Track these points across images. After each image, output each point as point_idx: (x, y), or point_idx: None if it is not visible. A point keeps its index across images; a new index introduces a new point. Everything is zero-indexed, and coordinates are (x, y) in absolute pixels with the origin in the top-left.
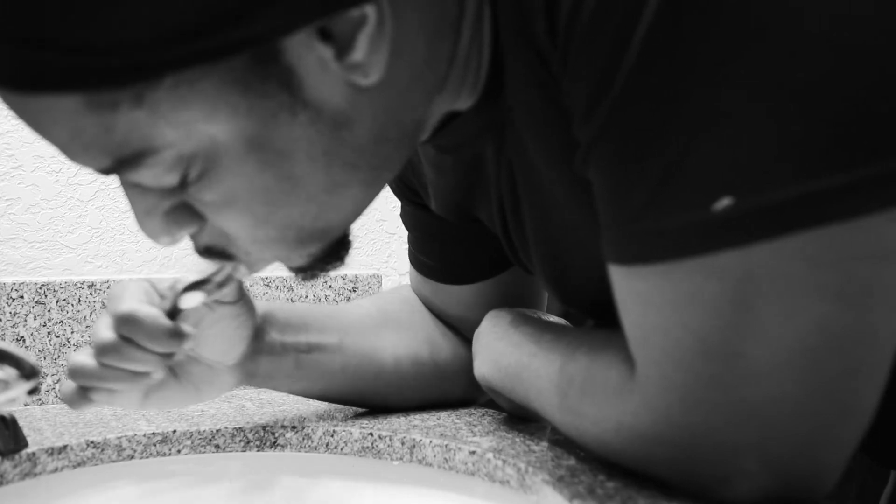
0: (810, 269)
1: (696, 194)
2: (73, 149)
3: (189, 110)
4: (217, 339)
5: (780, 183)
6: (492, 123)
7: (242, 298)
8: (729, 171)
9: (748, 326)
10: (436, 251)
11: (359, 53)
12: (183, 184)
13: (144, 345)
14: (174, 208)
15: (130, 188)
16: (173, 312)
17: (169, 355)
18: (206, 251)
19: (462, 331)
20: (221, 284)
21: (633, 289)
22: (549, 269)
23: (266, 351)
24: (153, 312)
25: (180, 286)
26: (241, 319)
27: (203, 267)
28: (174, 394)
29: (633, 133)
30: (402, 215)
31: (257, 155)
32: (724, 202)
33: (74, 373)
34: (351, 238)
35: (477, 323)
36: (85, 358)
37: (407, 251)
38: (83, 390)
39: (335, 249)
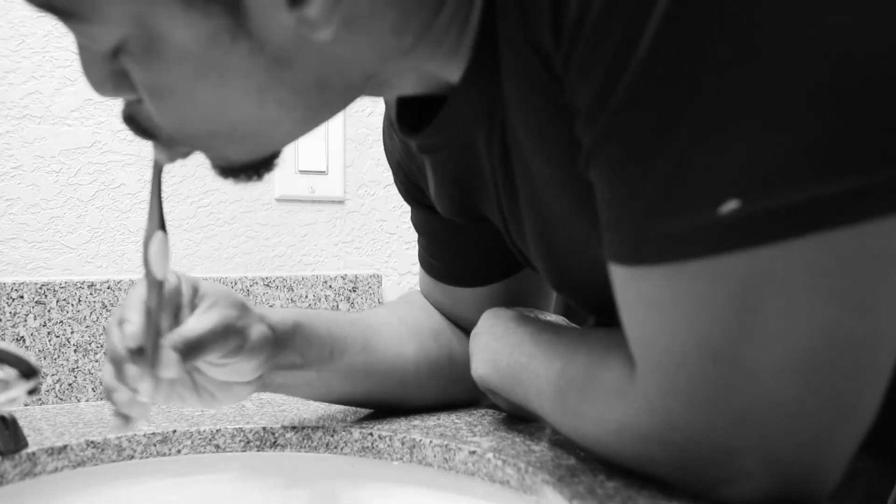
0: (816, 273)
1: (702, 196)
2: None
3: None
4: (227, 375)
5: (788, 187)
6: (483, 111)
7: (244, 351)
8: (736, 174)
9: (753, 329)
10: (446, 254)
11: (313, 9)
12: (117, 50)
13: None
14: (118, 71)
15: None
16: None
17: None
18: (129, 120)
19: None
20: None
21: (636, 290)
22: (548, 264)
23: (286, 366)
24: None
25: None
26: (247, 358)
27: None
28: (190, 396)
29: (639, 134)
30: (413, 219)
31: (191, 65)
32: (731, 205)
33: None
34: (278, 161)
35: None
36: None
37: (417, 254)
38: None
39: (260, 165)
